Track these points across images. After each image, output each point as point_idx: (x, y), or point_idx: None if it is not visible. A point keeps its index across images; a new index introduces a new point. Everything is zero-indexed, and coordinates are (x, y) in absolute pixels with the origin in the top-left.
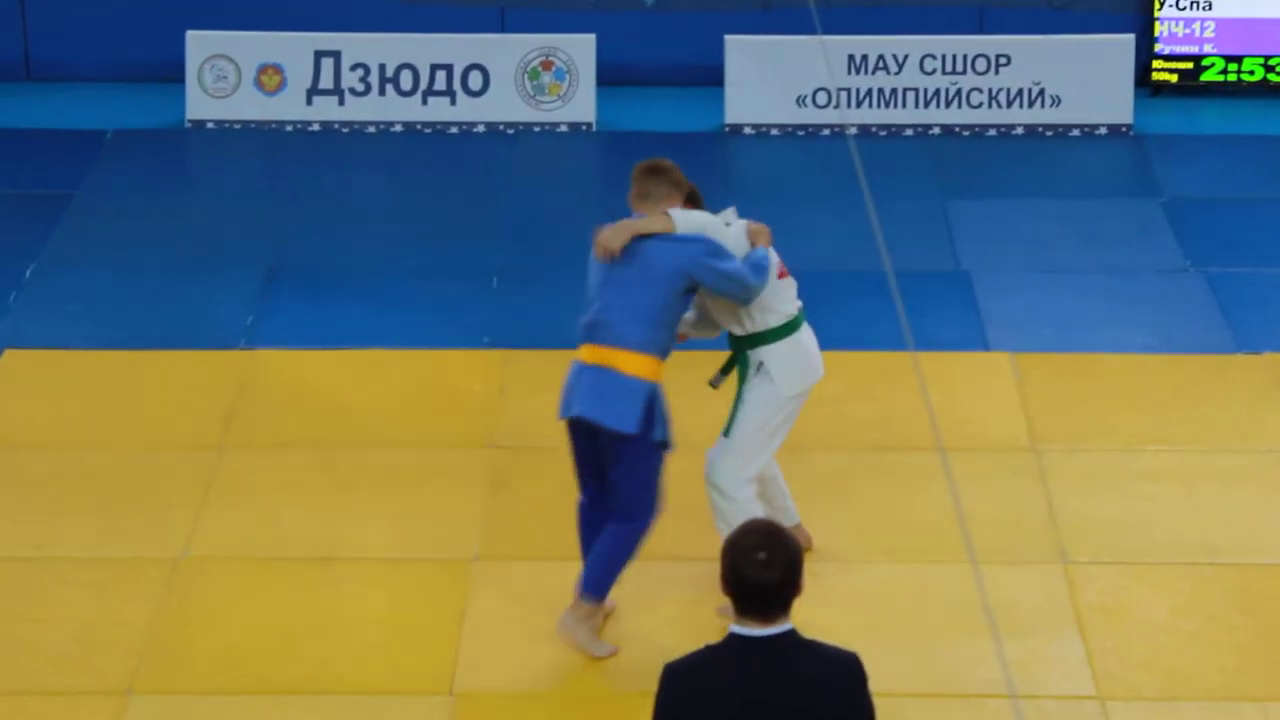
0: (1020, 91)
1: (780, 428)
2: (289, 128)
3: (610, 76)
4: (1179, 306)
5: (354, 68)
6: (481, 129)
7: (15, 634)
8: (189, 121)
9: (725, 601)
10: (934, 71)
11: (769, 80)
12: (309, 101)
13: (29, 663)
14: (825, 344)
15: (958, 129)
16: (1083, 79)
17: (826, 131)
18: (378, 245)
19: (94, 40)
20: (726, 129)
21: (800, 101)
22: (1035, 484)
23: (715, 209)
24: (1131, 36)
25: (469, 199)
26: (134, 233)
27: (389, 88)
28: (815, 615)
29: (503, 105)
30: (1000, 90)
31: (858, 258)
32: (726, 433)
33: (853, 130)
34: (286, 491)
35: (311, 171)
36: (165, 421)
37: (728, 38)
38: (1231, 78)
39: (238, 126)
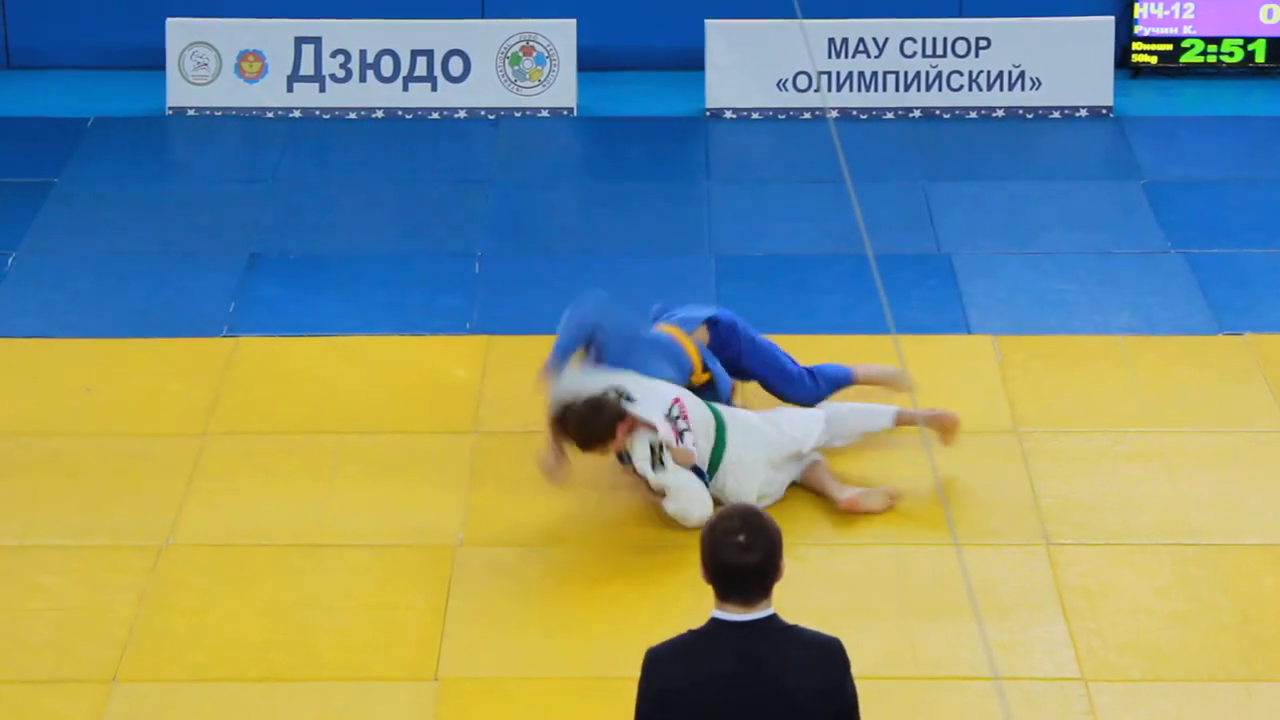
0: (1000, 74)
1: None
2: (270, 114)
3: (591, 61)
4: (1160, 288)
5: (335, 54)
6: (462, 114)
7: None
8: (170, 109)
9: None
10: (914, 54)
11: (749, 64)
12: (290, 88)
13: (12, 652)
14: (807, 328)
15: (938, 112)
16: (1063, 61)
17: (807, 115)
18: (360, 231)
19: (74, 28)
20: (707, 113)
21: (781, 85)
22: (1018, 466)
23: (696, 193)
24: (1111, 18)
25: (450, 185)
26: (115, 221)
27: (370, 74)
28: (798, 598)
29: (483, 91)
30: (980, 73)
31: (839, 241)
32: None
33: (833, 114)
34: (270, 478)
35: (293, 158)
36: (148, 409)
37: (708, 22)
38: (1211, 59)
39: (219, 113)
